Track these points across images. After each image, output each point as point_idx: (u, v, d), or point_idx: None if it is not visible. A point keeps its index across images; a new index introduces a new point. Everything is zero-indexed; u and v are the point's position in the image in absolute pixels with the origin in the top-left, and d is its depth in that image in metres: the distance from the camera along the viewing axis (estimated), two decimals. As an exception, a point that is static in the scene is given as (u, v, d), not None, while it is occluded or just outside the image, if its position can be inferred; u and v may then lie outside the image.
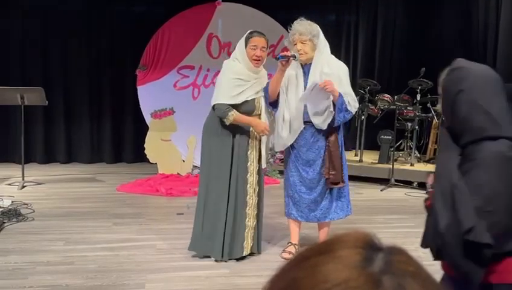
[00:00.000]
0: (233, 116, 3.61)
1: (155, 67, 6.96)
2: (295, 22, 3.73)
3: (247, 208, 3.76)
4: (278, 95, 3.78)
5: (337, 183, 3.78)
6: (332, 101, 3.64)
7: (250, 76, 3.68)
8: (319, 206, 3.81)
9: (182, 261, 3.80)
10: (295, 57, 3.62)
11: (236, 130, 3.71)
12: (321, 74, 3.67)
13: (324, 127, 3.70)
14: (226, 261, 3.76)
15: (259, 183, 3.84)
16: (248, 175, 3.75)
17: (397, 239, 4.25)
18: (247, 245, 3.81)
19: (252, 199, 3.78)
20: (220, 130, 3.70)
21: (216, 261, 3.75)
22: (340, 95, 3.62)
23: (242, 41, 3.70)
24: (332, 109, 3.66)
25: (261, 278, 3.52)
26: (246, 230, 3.79)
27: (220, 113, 3.63)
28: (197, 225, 3.84)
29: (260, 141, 3.79)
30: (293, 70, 3.74)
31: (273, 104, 3.83)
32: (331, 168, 3.73)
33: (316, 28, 3.70)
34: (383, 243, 0.56)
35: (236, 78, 3.64)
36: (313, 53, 3.69)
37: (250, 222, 3.79)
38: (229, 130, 3.69)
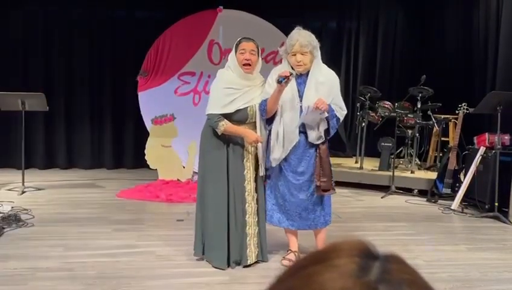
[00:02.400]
0: (224, 126, 3.61)
1: (156, 73, 6.97)
2: (294, 32, 3.65)
3: (247, 215, 3.75)
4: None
5: (327, 191, 3.74)
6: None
7: (242, 84, 3.68)
8: (310, 214, 3.77)
9: (181, 268, 3.79)
10: (293, 75, 3.56)
11: (232, 138, 3.70)
12: (316, 84, 3.63)
13: (317, 142, 3.68)
14: (233, 268, 3.74)
15: (258, 190, 3.82)
16: (245, 183, 3.74)
17: (397, 246, 4.25)
18: (251, 253, 3.78)
19: (250, 207, 3.76)
20: (215, 138, 3.70)
21: (218, 268, 3.73)
22: (329, 106, 3.61)
23: (232, 49, 3.72)
24: (326, 124, 3.66)
25: (261, 286, 3.50)
26: (248, 238, 3.77)
27: (211, 123, 3.65)
28: (198, 233, 3.84)
29: (256, 147, 3.78)
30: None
31: (270, 120, 3.76)
32: (322, 175, 3.69)
33: (315, 39, 3.66)
34: (380, 251, 0.55)
35: (228, 88, 3.64)
36: (310, 64, 3.65)
37: (252, 229, 3.78)
38: (224, 138, 3.69)
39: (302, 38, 3.59)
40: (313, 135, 3.67)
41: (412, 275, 0.54)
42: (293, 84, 3.63)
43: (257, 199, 3.80)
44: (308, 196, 3.76)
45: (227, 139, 3.70)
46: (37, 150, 7.72)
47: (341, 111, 3.72)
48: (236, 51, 3.67)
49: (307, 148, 3.71)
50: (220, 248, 3.71)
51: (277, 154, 3.71)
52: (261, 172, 3.80)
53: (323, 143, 3.71)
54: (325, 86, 3.64)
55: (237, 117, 3.67)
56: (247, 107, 3.67)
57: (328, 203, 3.87)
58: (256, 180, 3.80)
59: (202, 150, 3.83)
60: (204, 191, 3.75)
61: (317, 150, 3.71)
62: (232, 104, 3.63)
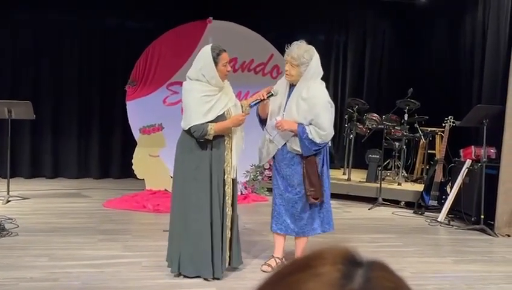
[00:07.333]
0: (213, 129, 3.64)
1: (145, 83, 6.96)
2: (294, 43, 3.78)
3: (227, 220, 3.79)
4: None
5: (317, 199, 3.82)
6: None
7: (215, 90, 3.72)
8: (299, 221, 3.87)
9: (167, 279, 3.76)
10: (272, 95, 3.76)
11: (212, 145, 3.73)
12: (298, 99, 3.74)
13: (294, 152, 3.80)
14: (219, 279, 3.71)
15: (234, 194, 3.87)
16: (226, 187, 3.78)
17: (383, 258, 4.23)
18: (227, 256, 3.84)
19: (230, 211, 3.82)
20: (195, 146, 3.71)
21: (206, 279, 3.70)
22: (299, 127, 3.69)
23: (208, 61, 3.66)
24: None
25: (247, 297, 3.48)
26: (225, 241, 3.81)
27: (199, 133, 3.63)
28: (177, 246, 3.73)
29: (231, 150, 3.80)
30: (283, 88, 3.83)
31: (264, 122, 3.96)
32: (309, 185, 3.78)
33: (308, 57, 3.69)
34: (364, 257, 0.55)
35: (204, 95, 3.69)
36: (298, 77, 3.74)
37: (228, 233, 3.83)
38: (204, 145, 3.71)
39: (296, 51, 3.70)
40: (288, 144, 3.81)
41: (396, 283, 0.53)
42: (283, 93, 3.82)
43: (232, 203, 3.83)
44: (297, 206, 3.85)
45: (208, 147, 3.72)
46: (23, 158, 7.63)
47: (320, 132, 3.68)
48: (217, 63, 3.67)
49: (292, 155, 3.82)
50: (203, 257, 3.69)
51: (263, 155, 3.97)
52: (233, 174, 3.81)
53: (308, 156, 3.77)
54: (306, 103, 3.72)
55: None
56: (224, 112, 3.73)
57: (319, 212, 3.91)
58: (233, 184, 3.85)
59: (180, 160, 3.78)
60: (185, 201, 3.71)
61: (304, 162, 3.79)
62: (212, 111, 3.68)
